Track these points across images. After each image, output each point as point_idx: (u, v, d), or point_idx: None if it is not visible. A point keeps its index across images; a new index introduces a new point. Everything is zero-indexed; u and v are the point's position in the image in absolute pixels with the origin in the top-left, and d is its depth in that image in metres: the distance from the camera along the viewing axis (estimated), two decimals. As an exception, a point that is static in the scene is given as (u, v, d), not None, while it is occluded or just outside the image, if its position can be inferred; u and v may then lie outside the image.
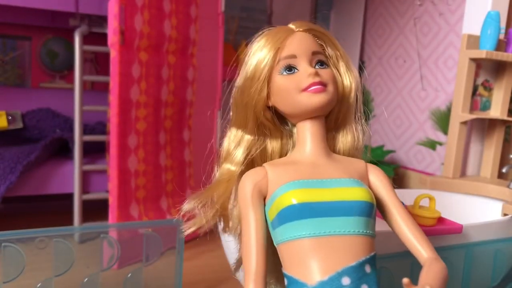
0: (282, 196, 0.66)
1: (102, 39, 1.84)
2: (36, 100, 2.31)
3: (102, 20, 1.99)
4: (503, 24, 1.75)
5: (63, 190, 1.97)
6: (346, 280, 0.63)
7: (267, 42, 0.71)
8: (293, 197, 0.65)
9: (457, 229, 1.10)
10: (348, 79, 0.75)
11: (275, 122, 0.75)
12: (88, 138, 1.92)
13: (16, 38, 2.38)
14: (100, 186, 1.98)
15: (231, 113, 0.77)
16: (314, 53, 0.71)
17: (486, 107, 1.81)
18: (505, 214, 1.38)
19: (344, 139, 0.77)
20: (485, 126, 1.82)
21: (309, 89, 0.68)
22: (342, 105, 0.76)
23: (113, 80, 1.58)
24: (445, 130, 2.18)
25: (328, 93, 0.69)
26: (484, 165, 1.81)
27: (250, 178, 0.70)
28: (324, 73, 0.70)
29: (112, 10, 1.55)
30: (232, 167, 0.75)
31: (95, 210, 1.93)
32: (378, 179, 0.74)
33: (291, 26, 0.74)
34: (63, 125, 2.25)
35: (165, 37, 1.75)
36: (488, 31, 1.63)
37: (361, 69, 2.70)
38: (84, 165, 1.89)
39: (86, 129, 2.06)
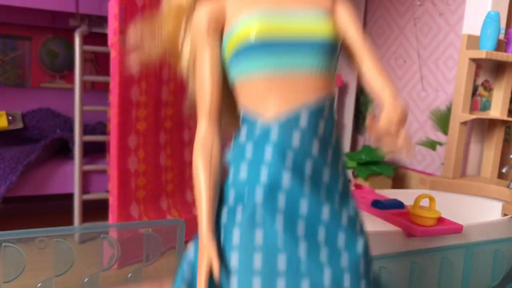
0: (241, 30, 0.63)
1: (102, 39, 1.84)
2: (36, 100, 2.31)
3: (102, 20, 1.99)
4: (503, 24, 1.75)
5: (63, 190, 1.98)
6: (304, 115, 0.62)
7: None
8: (252, 31, 0.61)
9: (457, 229, 1.10)
10: None
11: None
12: (88, 138, 1.92)
13: (16, 38, 2.38)
14: (100, 186, 1.98)
15: None
16: None
17: (486, 107, 1.81)
18: (505, 214, 1.38)
19: None
20: (485, 126, 1.82)
21: None
22: None
23: (113, 80, 1.58)
24: (445, 130, 2.18)
25: None
26: (484, 165, 1.81)
27: (206, 8, 0.65)
28: None
29: (112, 10, 1.55)
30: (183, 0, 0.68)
31: (95, 210, 1.93)
32: (344, 12, 0.68)
33: None
34: (63, 125, 2.25)
35: (165, 37, 1.75)
36: (488, 31, 1.63)
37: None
38: (84, 165, 1.89)
39: (86, 129, 2.06)
